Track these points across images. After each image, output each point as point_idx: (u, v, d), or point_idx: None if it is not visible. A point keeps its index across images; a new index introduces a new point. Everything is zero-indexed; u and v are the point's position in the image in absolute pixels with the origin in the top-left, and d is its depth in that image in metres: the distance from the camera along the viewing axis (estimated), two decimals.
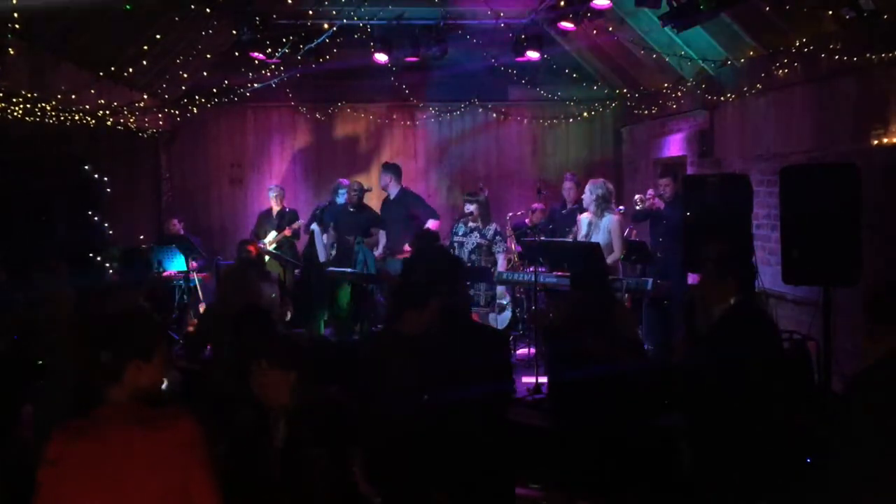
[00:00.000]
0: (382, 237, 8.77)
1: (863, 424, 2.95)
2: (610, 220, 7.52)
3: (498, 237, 7.84)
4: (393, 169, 8.90)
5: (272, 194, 10.11)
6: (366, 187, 9.11)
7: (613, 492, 4.25)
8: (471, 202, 7.90)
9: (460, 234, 7.89)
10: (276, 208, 10.06)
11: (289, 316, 7.47)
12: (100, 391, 2.34)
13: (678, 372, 4.12)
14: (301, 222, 9.89)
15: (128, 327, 2.37)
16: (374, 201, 9.32)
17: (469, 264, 7.54)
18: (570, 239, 7.98)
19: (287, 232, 9.75)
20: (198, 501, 2.31)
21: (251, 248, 7.16)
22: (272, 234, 9.72)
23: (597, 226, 7.55)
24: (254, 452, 2.90)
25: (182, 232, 9.97)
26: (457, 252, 7.87)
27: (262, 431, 2.93)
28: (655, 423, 4.51)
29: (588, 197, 7.65)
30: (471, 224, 7.86)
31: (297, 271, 9.63)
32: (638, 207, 8.24)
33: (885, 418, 2.87)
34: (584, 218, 7.77)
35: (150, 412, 2.32)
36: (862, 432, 2.92)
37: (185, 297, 9.13)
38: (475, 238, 7.78)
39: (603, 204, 7.55)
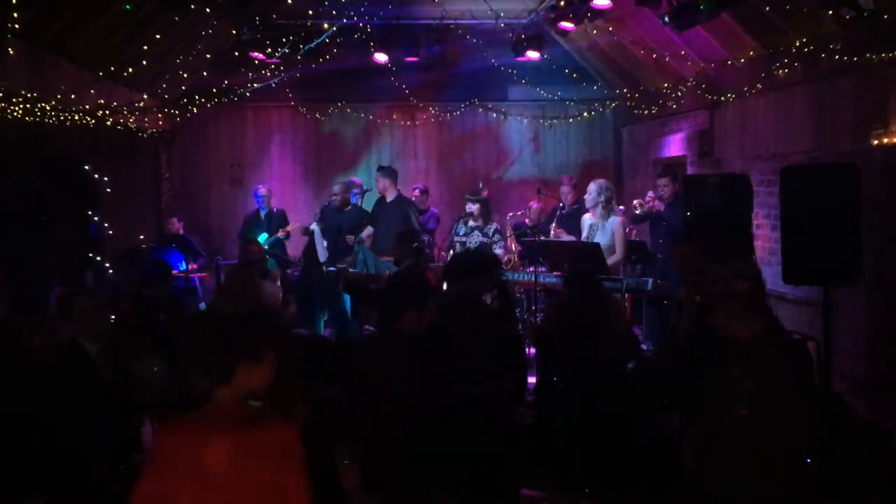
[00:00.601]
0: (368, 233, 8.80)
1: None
2: (614, 221, 7.50)
3: (497, 235, 7.87)
4: (391, 173, 8.90)
5: (261, 196, 10.03)
6: (366, 187, 9.11)
7: (613, 492, 4.25)
8: (472, 202, 7.92)
9: (461, 233, 7.90)
10: (263, 210, 10.01)
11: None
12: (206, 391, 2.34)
13: (673, 371, 4.13)
14: (297, 224, 9.89)
15: (241, 329, 2.37)
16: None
17: None
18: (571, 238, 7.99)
19: (281, 234, 9.74)
20: None
21: (255, 247, 7.16)
22: (263, 236, 9.69)
23: (601, 227, 7.52)
24: None
25: (182, 231, 9.97)
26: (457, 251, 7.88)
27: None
28: (655, 423, 4.51)
29: (593, 198, 7.58)
30: (472, 223, 7.89)
31: (290, 270, 9.62)
32: (637, 212, 8.24)
33: None
34: (587, 218, 7.76)
35: (251, 414, 2.32)
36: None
37: (185, 297, 9.12)
38: (476, 237, 7.79)
39: (608, 206, 7.55)
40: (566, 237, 8.22)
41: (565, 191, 8.76)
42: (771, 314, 3.39)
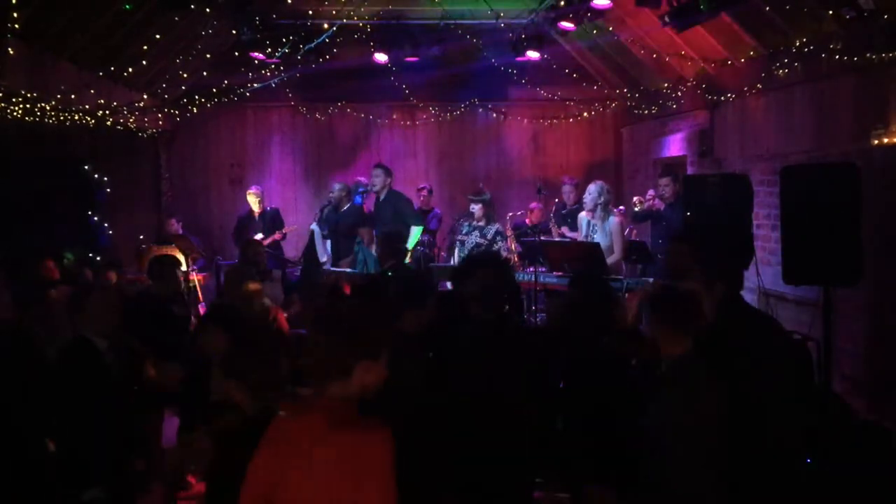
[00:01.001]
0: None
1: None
2: (612, 221, 7.57)
3: (498, 237, 7.85)
4: (386, 171, 8.91)
5: (254, 197, 10.00)
6: (369, 188, 9.12)
7: (615, 492, 4.24)
8: (475, 202, 7.91)
9: (463, 232, 7.92)
10: (257, 210, 9.99)
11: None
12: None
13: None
14: (294, 226, 9.90)
15: (366, 327, 2.40)
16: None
17: None
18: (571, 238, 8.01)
19: (278, 236, 9.75)
20: None
21: (256, 247, 7.15)
22: (259, 237, 9.68)
23: (600, 227, 7.59)
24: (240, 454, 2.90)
25: (181, 231, 9.96)
26: (457, 250, 7.89)
27: (250, 435, 2.93)
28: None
29: (593, 198, 7.64)
30: (474, 223, 7.91)
31: (288, 269, 9.63)
32: (637, 209, 8.24)
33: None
34: (584, 218, 7.80)
35: (355, 415, 2.37)
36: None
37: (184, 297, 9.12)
38: (475, 237, 7.79)
39: (607, 207, 7.62)
40: (570, 234, 8.25)
41: (567, 190, 8.79)
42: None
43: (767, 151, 7.53)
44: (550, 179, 10.82)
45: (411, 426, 3.72)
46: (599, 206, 7.60)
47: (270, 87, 9.93)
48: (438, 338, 4.03)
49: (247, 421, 3.10)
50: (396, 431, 2.44)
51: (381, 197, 8.79)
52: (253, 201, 10.02)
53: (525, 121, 11.55)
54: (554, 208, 9.01)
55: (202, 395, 3.86)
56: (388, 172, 8.82)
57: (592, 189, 7.70)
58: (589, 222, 7.73)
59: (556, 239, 8.31)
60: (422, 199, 10.16)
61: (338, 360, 2.36)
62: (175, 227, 9.96)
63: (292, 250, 10.23)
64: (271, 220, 9.93)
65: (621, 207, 8.84)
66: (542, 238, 8.16)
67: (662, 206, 7.98)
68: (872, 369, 6.01)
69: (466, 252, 7.73)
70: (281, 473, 2.36)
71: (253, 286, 5.53)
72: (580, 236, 7.82)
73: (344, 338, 2.37)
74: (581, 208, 8.05)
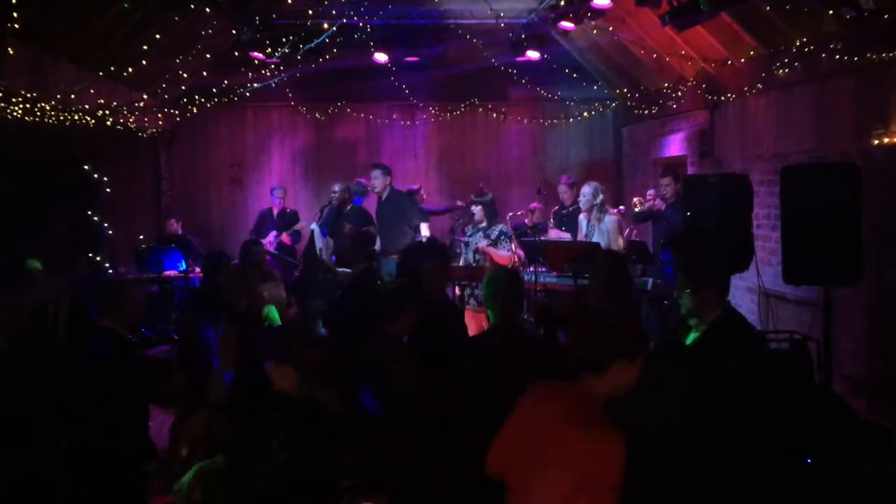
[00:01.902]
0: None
1: None
2: (608, 221, 7.60)
3: (502, 237, 7.82)
4: (386, 170, 8.93)
5: (277, 195, 10.22)
6: (369, 188, 9.14)
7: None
8: (476, 204, 7.90)
9: (468, 235, 7.92)
10: (276, 209, 10.12)
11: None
12: None
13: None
14: (303, 223, 9.96)
15: (629, 328, 2.53)
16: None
17: (473, 264, 7.57)
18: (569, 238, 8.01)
19: (286, 239, 9.79)
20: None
21: (257, 248, 7.14)
22: (272, 234, 9.76)
23: (597, 228, 7.62)
24: (252, 458, 2.90)
25: (180, 232, 9.98)
26: (462, 252, 7.89)
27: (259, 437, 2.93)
28: None
29: (587, 200, 7.69)
30: (476, 225, 7.91)
31: (295, 271, 9.64)
32: (637, 209, 8.24)
33: None
34: (583, 219, 7.84)
35: (597, 413, 2.45)
36: None
37: (184, 297, 9.12)
38: (478, 238, 7.79)
39: (603, 207, 7.65)
40: (563, 235, 8.26)
41: (563, 190, 8.78)
42: None
43: (767, 151, 7.53)
44: (550, 179, 10.80)
45: (410, 428, 3.74)
46: (595, 207, 7.66)
47: (270, 87, 9.92)
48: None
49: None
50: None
51: (384, 197, 8.79)
52: (276, 200, 10.21)
53: (525, 121, 11.54)
54: (556, 209, 9.00)
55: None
56: (387, 172, 8.85)
57: (586, 190, 7.74)
58: (587, 223, 7.77)
59: (555, 238, 8.31)
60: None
61: (599, 354, 2.46)
62: (175, 226, 10.00)
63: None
64: (290, 220, 10.06)
65: (621, 207, 8.83)
66: (542, 238, 8.16)
67: (663, 206, 7.98)
68: (872, 369, 6.01)
69: (471, 253, 7.73)
70: (526, 439, 2.54)
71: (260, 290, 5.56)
72: (577, 236, 7.84)
73: (610, 334, 2.48)
74: (579, 209, 8.07)
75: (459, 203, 9.87)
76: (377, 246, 8.73)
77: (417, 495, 3.71)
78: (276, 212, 10.17)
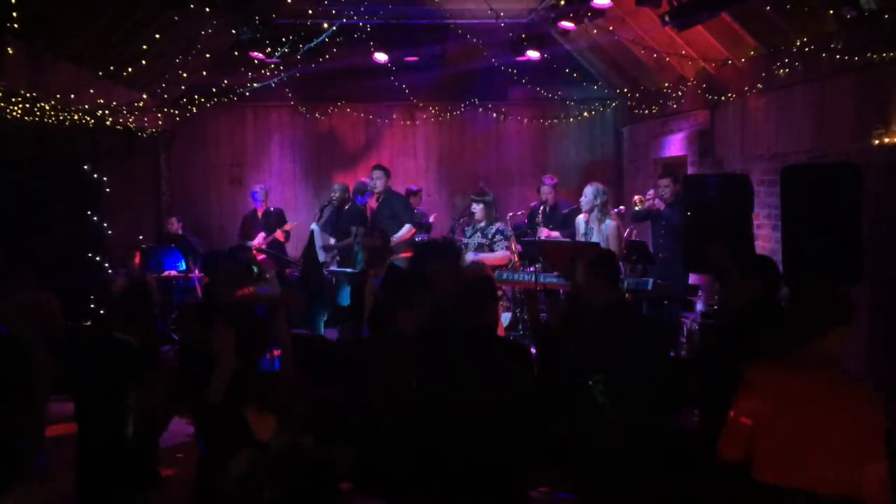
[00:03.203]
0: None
1: None
2: (609, 225, 7.58)
3: (499, 236, 7.81)
4: (385, 171, 8.94)
5: (258, 196, 10.09)
6: (370, 188, 9.13)
7: (617, 492, 4.22)
8: (476, 202, 7.89)
9: (467, 235, 7.92)
10: (260, 209, 10.07)
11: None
12: None
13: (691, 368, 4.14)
14: (294, 224, 9.94)
15: (843, 297, 2.97)
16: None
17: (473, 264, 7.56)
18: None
19: (279, 236, 9.76)
20: (867, 460, 2.78)
21: (246, 253, 7.14)
22: (261, 236, 9.71)
23: (596, 230, 7.60)
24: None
25: (181, 232, 9.98)
26: (463, 253, 7.89)
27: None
28: (667, 422, 4.48)
29: (589, 201, 7.66)
30: (475, 225, 7.90)
31: (288, 270, 9.64)
32: (637, 209, 8.25)
33: None
34: (581, 220, 7.83)
35: (837, 371, 2.92)
36: None
37: (184, 298, 9.13)
38: (477, 238, 7.79)
39: (604, 209, 7.63)
40: (552, 234, 8.26)
41: (545, 191, 8.75)
42: None
43: (768, 151, 7.52)
44: None
45: (407, 426, 3.73)
46: (596, 209, 7.62)
47: (270, 86, 9.92)
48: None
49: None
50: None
51: (381, 198, 8.81)
52: (258, 201, 10.12)
53: (525, 121, 11.54)
54: (540, 207, 8.93)
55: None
56: (388, 173, 8.86)
57: (589, 191, 7.71)
58: (586, 224, 7.74)
59: (551, 238, 8.31)
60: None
61: (820, 320, 2.89)
62: (175, 226, 10.00)
63: (292, 251, 10.23)
64: (275, 219, 9.98)
65: (621, 207, 8.82)
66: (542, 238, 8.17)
67: (662, 207, 7.98)
68: (872, 369, 6.00)
69: (472, 254, 7.73)
70: (768, 419, 2.87)
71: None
72: (577, 238, 7.84)
73: (825, 303, 2.93)
74: (577, 211, 8.07)
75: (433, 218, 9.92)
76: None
77: (414, 495, 3.71)
78: (260, 212, 10.09)
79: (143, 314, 4.04)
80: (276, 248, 9.73)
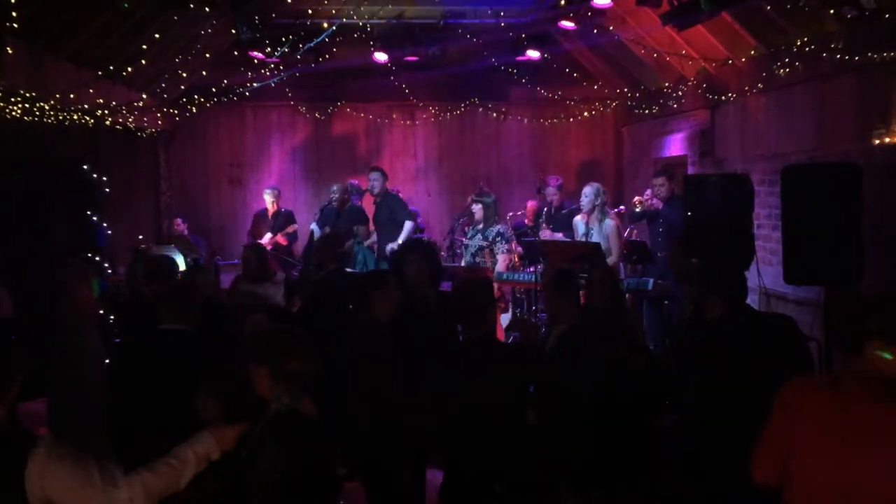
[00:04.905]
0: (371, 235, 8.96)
1: None
2: (608, 224, 7.60)
3: (499, 238, 7.81)
4: (381, 173, 8.98)
5: (268, 196, 10.18)
6: (369, 190, 9.16)
7: (615, 491, 4.23)
8: (476, 202, 7.89)
9: (468, 236, 7.92)
10: (271, 210, 10.11)
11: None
12: None
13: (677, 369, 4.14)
14: (296, 226, 9.99)
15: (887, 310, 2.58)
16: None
17: (473, 265, 7.58)
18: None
19: (281, 240, 9.79)
20: None
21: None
22: (267, 236, 9.75)
23: (596, 230, 7.62)
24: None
25: (186, 232, 10.01)
26: (463, 253, 7.90)
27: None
28: (655, 422, 4.49)
29: (589, 200, 7.69)
30: (476, 226, 7.91)
31: (293, 271, 9.65)
32: (637, 209, 8.25)
33: None
34: (580, 220, 7.83)
35: (887, 387, 2.48)
36: None
37: None
38: (478, 240, 7.79)
39: (603, 209, 7.65)
40: (555, 236, 8.27)
41: (551, 192, 8.78)
42: None
43: (768, 151, 7.52)
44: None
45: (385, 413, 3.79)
46: (596, 208, 7.64)
47: (270, 86, 9.90)
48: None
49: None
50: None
51: (378, 199, 8.83)
52: (268, 201, 10.21)
53: (525, 121, 11.53)
54: (546, 209, 8.95)
55: None
56: (385, 175, 8.91)
57: (588, 191, 7.73)
58: (586, 225, 7.74)
59: (551, 238, 8.31)
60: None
61: (852, 334, 2.55)
62: (181, 227, 10.05)
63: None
64: (283, 220, 10.05)
65: (621, 208, 8.82)
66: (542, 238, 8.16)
67: (660, 205, 7.98)
68: None
69: (471, 254, 7.73)
70: (805, 441, 2.53)
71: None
72: (576, 238, 7.84)
73: (858, 315, 2.54)
74: (575, 211, 8.06)
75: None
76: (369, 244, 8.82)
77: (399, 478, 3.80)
78: (270, 213, 10.16)
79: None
80: (280, 250, 9.75)
